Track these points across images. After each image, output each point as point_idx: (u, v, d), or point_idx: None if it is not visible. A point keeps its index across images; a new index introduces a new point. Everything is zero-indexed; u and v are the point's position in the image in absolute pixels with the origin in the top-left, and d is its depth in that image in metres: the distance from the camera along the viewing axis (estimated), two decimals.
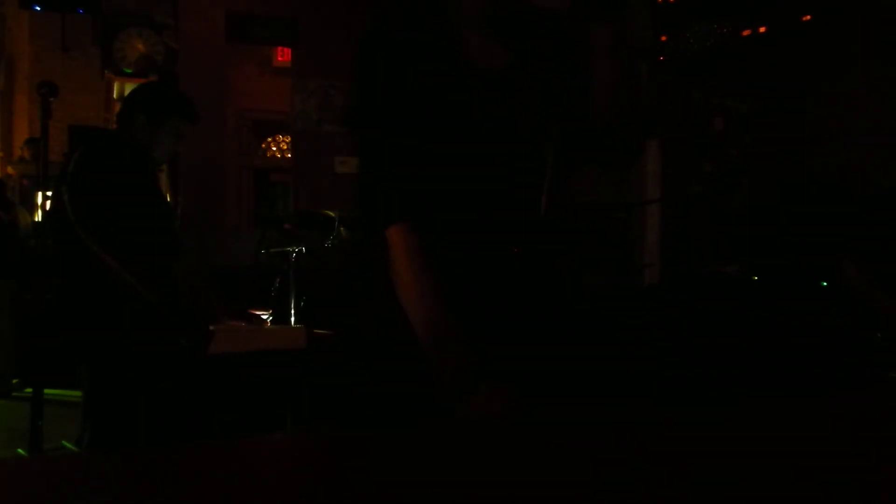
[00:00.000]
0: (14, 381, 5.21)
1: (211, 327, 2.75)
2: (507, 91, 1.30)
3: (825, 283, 3.64)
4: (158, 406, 2.55)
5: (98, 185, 2.47)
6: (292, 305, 3.33)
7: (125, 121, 2.65)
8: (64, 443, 3.40)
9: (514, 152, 1.30)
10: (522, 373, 1.22)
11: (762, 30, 5.58)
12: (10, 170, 7.54)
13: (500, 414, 1.07)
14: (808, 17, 5.48)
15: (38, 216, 5.35)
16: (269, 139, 9.19)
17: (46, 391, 3.18)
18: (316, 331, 3.10)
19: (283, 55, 7.81)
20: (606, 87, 1.28)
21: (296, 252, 3.45)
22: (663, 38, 5.85)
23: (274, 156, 9.19)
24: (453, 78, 1.27)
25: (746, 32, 5.61)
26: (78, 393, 2.61)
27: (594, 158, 1.46)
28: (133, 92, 2.82)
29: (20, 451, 3.40)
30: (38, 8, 5.47)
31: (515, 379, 1.17)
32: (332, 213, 3.78)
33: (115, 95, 4.80)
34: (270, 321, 3.23)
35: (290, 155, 7.60)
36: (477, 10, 1.29)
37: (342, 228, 3.71)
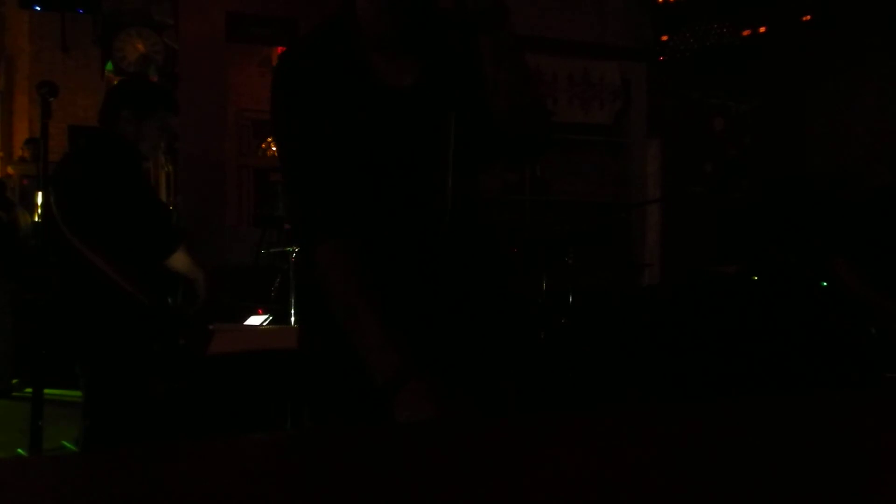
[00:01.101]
0: (14, 381, 5.22)
1: (210, 327, 2.75)
2: (418, 105, 1.37)
3: (825, 283, 3.64)
4: (158, 406, 2.55)
5: (81, 183, 2.47)
6: (292, 305, 3.33)
7: (110, 117, 2.64)
8: (64, 443, 3.40)
9: (424, 160, 1.36)
10: (452, 367, 1.28)
11: (762, 30, 5.58)
12: (9, 170, 7.54)
13: (431, 415, 1.11)
14: (808, 17, 5.48)
15: (38, 216, 5.35)
16: (269, 139, 9.19)
17: (46, 391, 3.17)
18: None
19: None
20: (502, 89, 1.33)
21: (296, 252, 3.45)
22: (663, 38, 5.86)
23: (274, 156, 9.19)
24: (363, 98, 1.33)
25: (746, 32, 5.61)
26: (78, 393, 2.61)
27: (500, 157, 1.52)
28: (115, 88, 2.82)
29: (20, 451, 3.40)
30: (38, 8, 5.48)
31: (446, 374, 1.21)
32: None
33: None
34: (268, 324, 3.23)
35: None
36: (380, 33, 1.35)
37: None
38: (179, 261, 2.63)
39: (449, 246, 1.37)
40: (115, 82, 4.73)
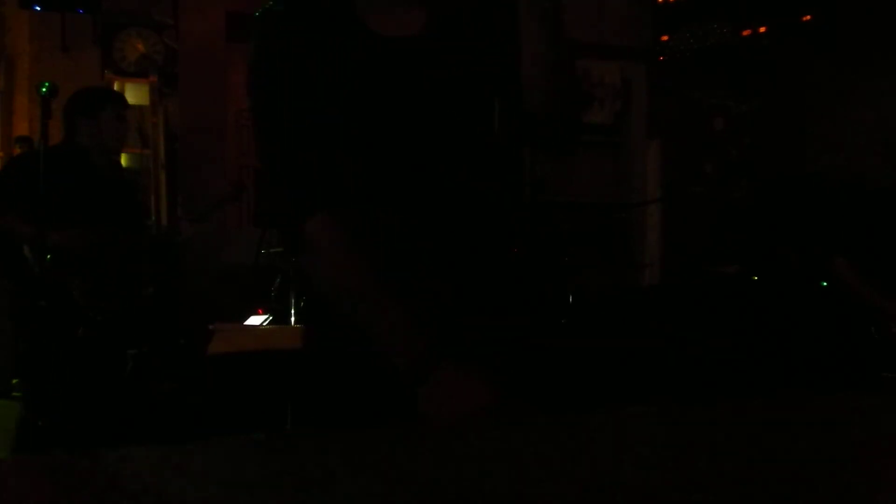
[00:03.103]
0: (14, 381, 5.21)
1: (210, 327, 2.76)
2: (422, 60, 1.16)
3: (825, 283, 3.64)
4: (158, 406, 2.56)
5: (14, 189, 2.69)
6: (292, 305, 3.33)
7: (69, 130, 2.86)
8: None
9: (431, 125, 1.17)
10: (486, 349, 1.12)
11: (762, 30, 5.58)
12: None
13: (468, 411, 0.98)
14: (808, 17, 5.48)
15: None
16: None
17: None
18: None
19: None
20: (538, 60, 1.13)
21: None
22: (663, 38, 5.85)
23: None
24: (353, 51, 1.15)
25: (746, 32, 5.60)
26: None
27: (529, 140, 1.31)
28: (67, 103, 2.98)
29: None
30: (38, 8, 5.47)
31: (479, 356, 1.06)
32: None
33: None
34: (268, 324, 3.23)
35: None
36: None
37: None
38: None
39: (452, 218, 1.18)
40: (115, 83, 4.73)
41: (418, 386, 1.02)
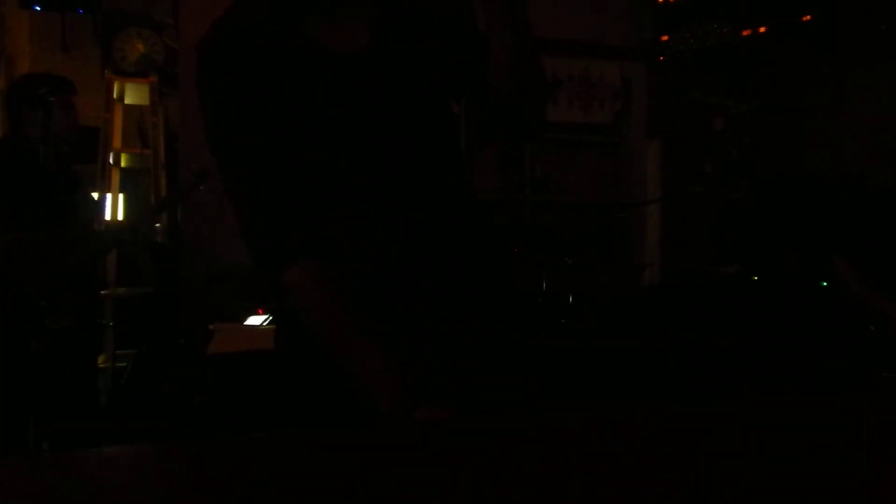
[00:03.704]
0: None
1: (210, 327, 2.75)
2: (372, 71, 1.13)
3: (825, 283, 3.64)
4: (159, 406, 2.55)
5: None
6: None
7: (13, 122, 2.67)
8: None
9: (386, 137, 1.14)
10: (456, 386, 1.12)
11: (762, 30, 5.58)
12: None
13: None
14: (808, 17, 5.47)
15: None
16: None
17: None
18: None
19: None
20: (500, 49, 1.10)
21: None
22: (663, 38, 5.85)
23: None
24: (302, 71, 1.12)
25: (746, 32, 5.60)
26: None
27: (495, 135, 1.32)
28: (8, 91, 2.82)
29: None
30: (38, 8, 5.47)
31: (452, 393, 1.08)
32: None
33: (114, 95, 4.78)
34: (268, 324, 3.23)
35: None
36: None
37: None
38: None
39: (431, 245, 1.16)
40: (115, 83, 4.73)
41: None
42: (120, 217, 4.60)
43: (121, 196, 4.74)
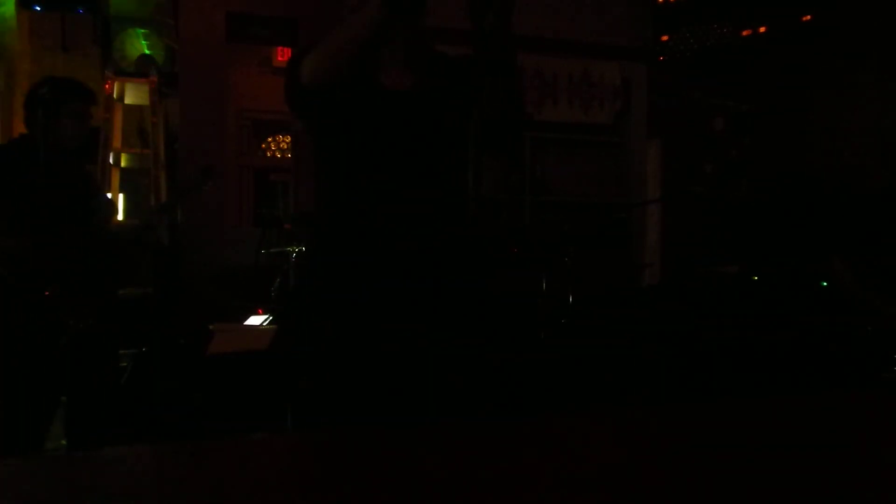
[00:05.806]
0: None
1: (210, 327, 2.75)
2: (417, 105, 1.61)
3: (825, 283, 3.64)
4: (158, 405, 2.55)
5: None
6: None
7: (29, 122, 2.67)
8: (64, 443, 3.40)
9: (426, 156, 1.59)
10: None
11: (762, 30, 5.58)
12: None
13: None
14: (808, 17, 5.48)
15: None
16: (269, 139, 9.18)
17: None
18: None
19: (283, 55, 7.80)
20: (494, 90, 1.50)
21: (296, 252, 3.44)
22: (663, 38, 5.86)
23: (274, 156, 9.18)
24: (370, 101, 1.58)
25: (746, 32, 5.61)
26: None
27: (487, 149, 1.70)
28: (28, 92, 2.80)
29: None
30: (38, 8, 5.47)
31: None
32: None
33: (115, 95, 4.79)
34: (268, 324, 3.23)
35: (290, 155, 7.60)
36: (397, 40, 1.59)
37: None
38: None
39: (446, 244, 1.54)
40: (115, 83, 4.73)
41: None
42: (120, 217, 4.60)
43: (121, 196, 4.75)
